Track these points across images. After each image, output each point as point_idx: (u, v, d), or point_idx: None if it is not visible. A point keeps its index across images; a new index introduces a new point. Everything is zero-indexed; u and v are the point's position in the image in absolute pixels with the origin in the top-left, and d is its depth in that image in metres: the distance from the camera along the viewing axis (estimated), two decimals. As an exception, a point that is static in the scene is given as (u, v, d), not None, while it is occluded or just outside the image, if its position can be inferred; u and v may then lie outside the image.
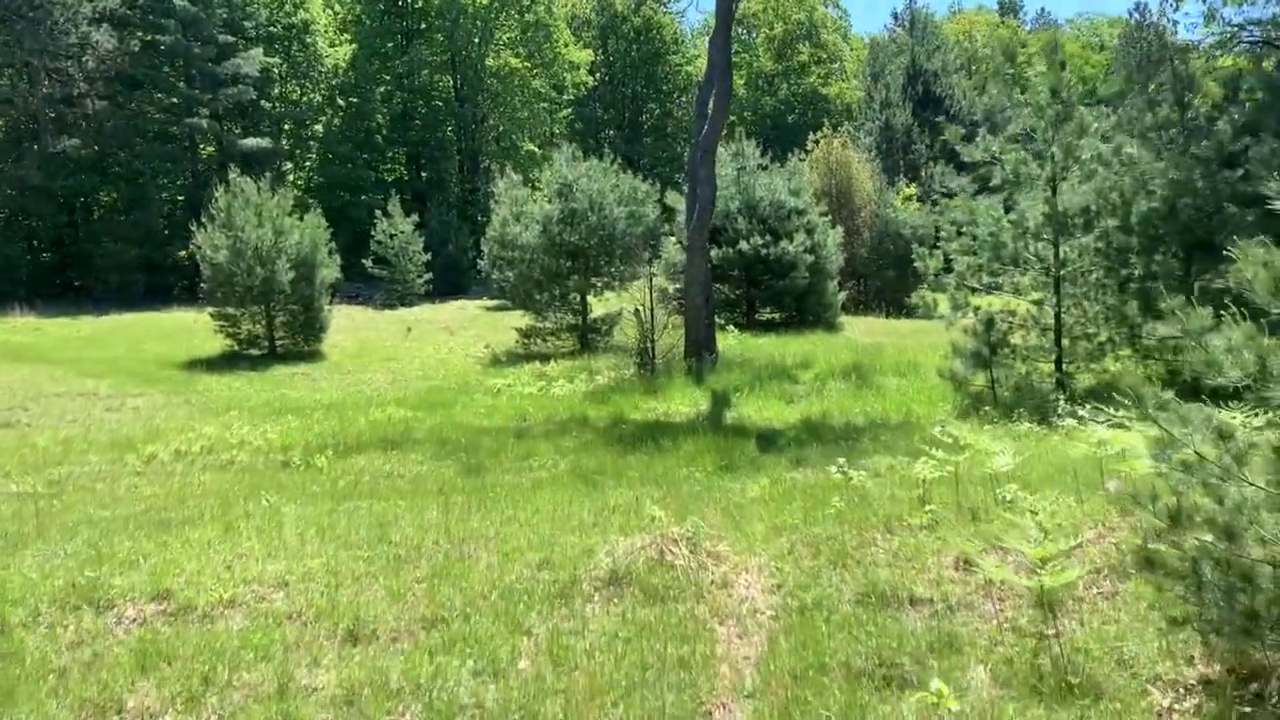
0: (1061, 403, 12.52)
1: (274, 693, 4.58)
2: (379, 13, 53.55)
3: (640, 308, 19.66)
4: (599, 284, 25.19)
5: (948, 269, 15.52)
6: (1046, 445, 10.04)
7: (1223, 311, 4.19)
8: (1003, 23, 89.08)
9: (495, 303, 35.26)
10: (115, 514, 9.27)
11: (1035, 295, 15.06)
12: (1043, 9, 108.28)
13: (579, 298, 25.22)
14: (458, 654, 4.84)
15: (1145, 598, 5.05)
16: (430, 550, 6.55)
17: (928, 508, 6.55)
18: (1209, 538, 4.20)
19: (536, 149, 54.46)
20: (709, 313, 21.00)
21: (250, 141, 45.17)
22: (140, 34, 44.02)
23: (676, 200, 26.87)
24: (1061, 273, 14.62)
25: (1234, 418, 4.84)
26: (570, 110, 61.56)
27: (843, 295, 31.34)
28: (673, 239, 28.02)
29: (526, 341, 25.11)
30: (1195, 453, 4.11)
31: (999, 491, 6.77)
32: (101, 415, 17.42)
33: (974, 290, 15.35)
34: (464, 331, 30.19)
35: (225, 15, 45.41)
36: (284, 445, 13.14)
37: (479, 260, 34.30)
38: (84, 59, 42.59)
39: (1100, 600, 5.15)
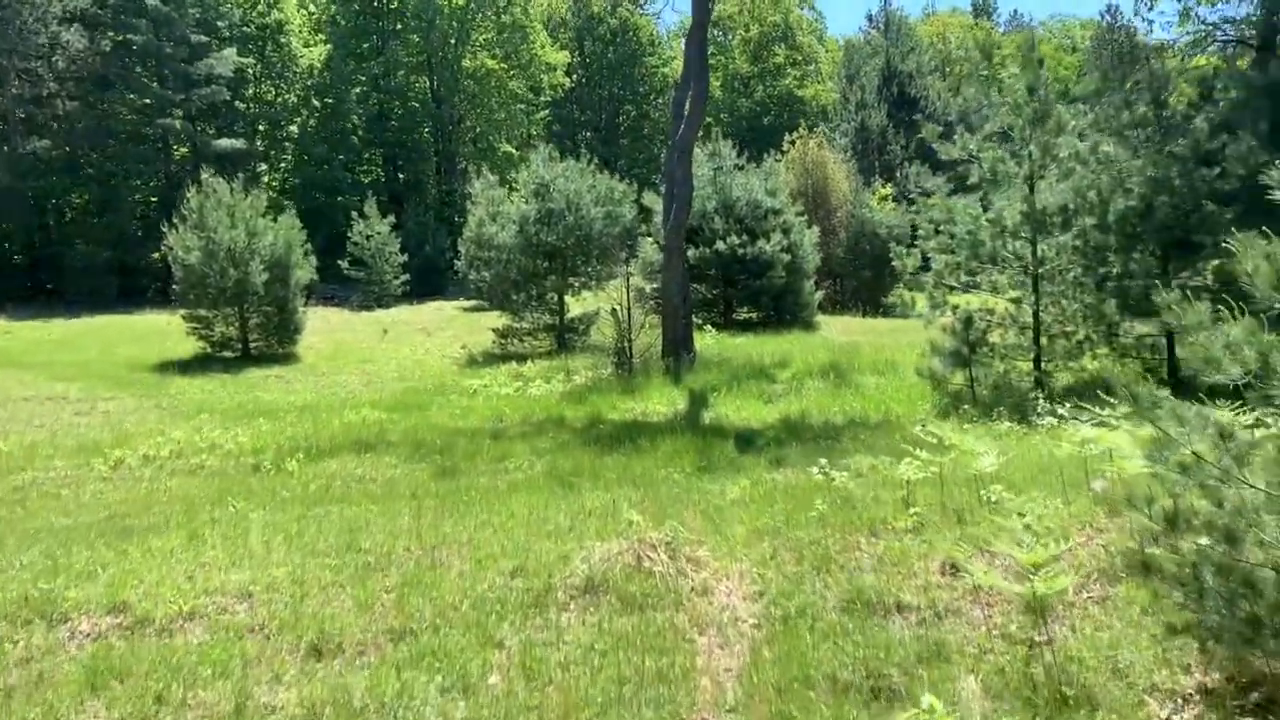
0: (1041, 401, 12.43)
1: (230, 712, 4.35)
2: (354, 13, 53.06)
3: (617, 307, 19.47)
4: (576, 284, 25.00)
5: (925, 268, 15.44)
6: (1028, 444, 9.93)
7: (1219, 307, 4.05)
8: (976, 24, 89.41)
9: (472, 303, 34.96)
10: (78, 521, 8.98)
11: (1013, 294, 15.01)
12: (1015, 11, 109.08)
13: (556, 298, 25.00)
14: (426, 669, 4.63)
15: (1138, 602, 4.91)
16: (401, 557, 6.33)
17: (912, 510, 6.40)
18: (1205, 540, 4.06)
19: (514, 150, 54.11)
20: (686, 312, 20.84)
21: (224, 142, 44.58)
22: (111, 34, 43.31)
23: (654, 201, 26.73)
24: (1039, 271, 14.56)
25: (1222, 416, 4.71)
26: (547, 112, 61.22)
27: (819, 295, 31.28)
28: (650, 239, 27.88)
29: (503, 342, 24.87)
30: (1193, 453, 3.96)
31: (984, 493, 6.62)
32: (70, 419, 17.04)
33: (952, 289, 15.27)
34: (441, 332, 29.88)
35: (198, 15, 44.81)
36: (255, 449, 12.86)
37: (456, 261, 34.01)
38: (54, 59, 41.90)
39: (1091, 605, 5.00)
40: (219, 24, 46.61)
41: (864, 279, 37.04)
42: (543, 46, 58.31)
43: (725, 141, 30.78)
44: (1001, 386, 14.33)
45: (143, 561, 6.44)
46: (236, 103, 47.79)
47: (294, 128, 52.15)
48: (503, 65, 55.03)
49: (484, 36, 55.47)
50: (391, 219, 40.76)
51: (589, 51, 67.45)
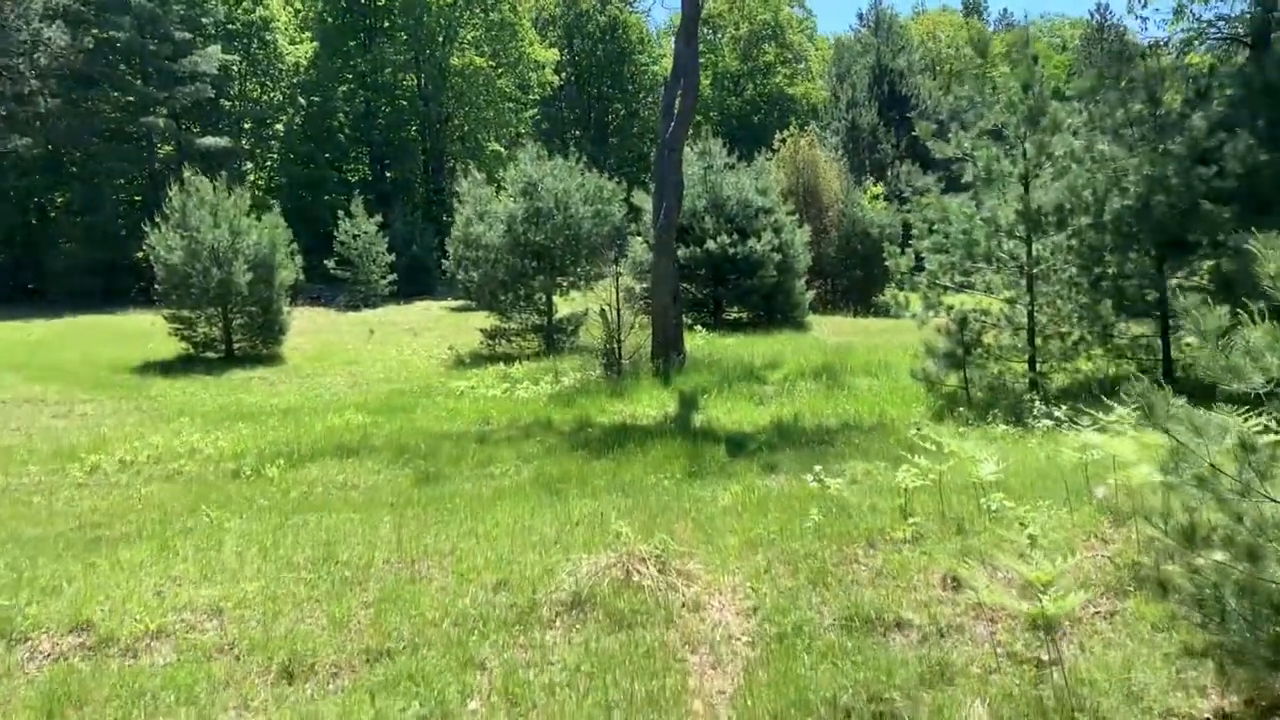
0: (1037, 404, 12.26)
1: (194, 743, 4.11)
2: (340, 10, 52.65)
3: (606, 308, 19.22)
4: (564, 284, 24.75)
5: (918, 267, 15.25)
6: (1024, 448, 9.75)
7: (1238, 310, 3.83)
8: (967, 23, 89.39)
9: (460, 303, 34.67)
10: (47, 531, 8.70)
11: (1008, 294, 14.82)
12: (1005, 9, 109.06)
13: (544, 298, 24.76)
14: (402, 694, 4.38)
15: (1147, 618, 4.70)
16: (380, 570, 6.08)
17: (911, 520, 6.18)
18: (1220, 556, 3.85)
19: (502, 149, 53.76)
20: (676, 312, 20.61)
21: (209, 140, 44.18)
22: (94, 30, 42.80)
23: (643, 200, 26.49)
24: (1034, 271, 14.38)
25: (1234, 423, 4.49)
26: (536, 110, 60.92)
27: (810, 294, 31.09)
28: (639, 238, 27.65)
29: (491, 342, 24.61)
30: (1210, 465, 3.75)
31: (984, 501, 6.41)
32: (48, 422, 16.75)
33: (946, 289, 15.08)
34: (428, 333, 29.60)
35: (182, 11, 44.38)
36: (235, 453, 12.59)
37: (444, 261, 33.73)
38: (36, 56, 41.35)
39: (1099, 621, 4.79)
40: (203, 20, 46.19)
41: (855, 279, 36.89)
42: (531, 44, 58.01)
43: (715, 140, 30.57)
44: (996, 388, 14.15)
45: (111, 575, 6.17)
46: (221, 101, 47.40)
47: (280, 126, 51.75)
48: (491, 63, 54.70)
49: (472, 34, 55.13)
50: (378, 218, 40.41)
51: (578, 49, 67.17)
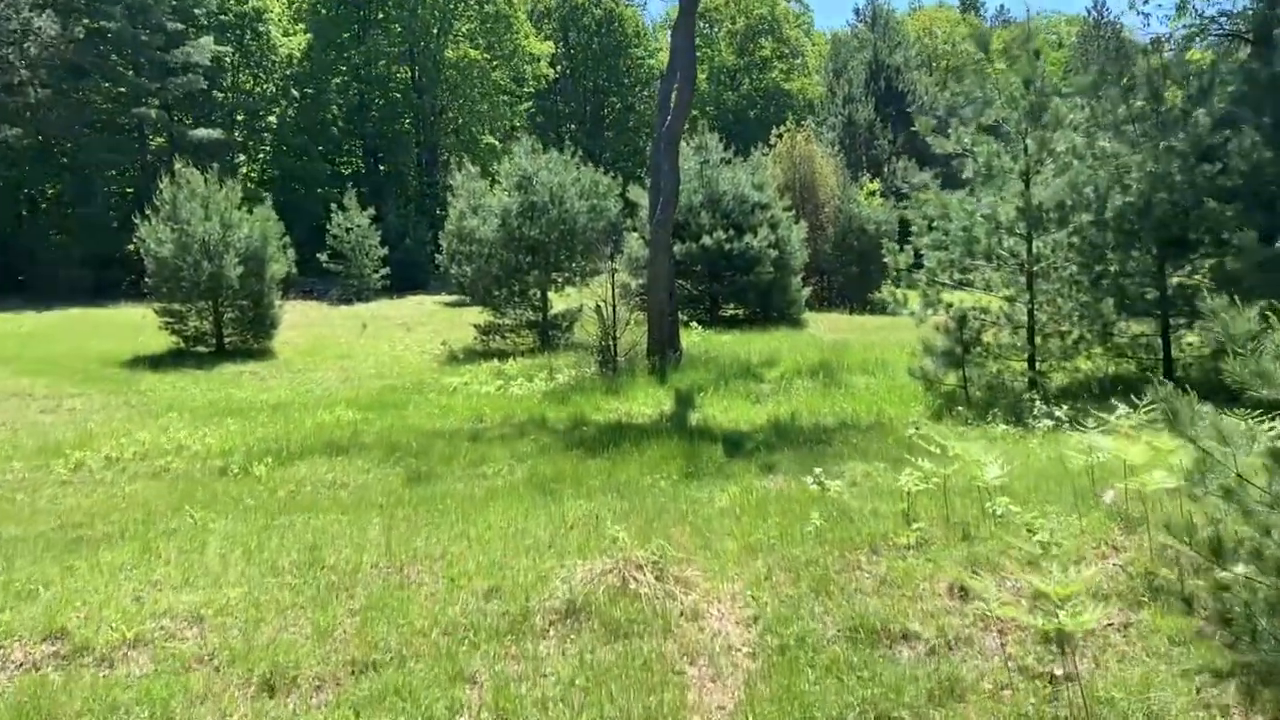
0: (1037, 403, 12.10)
1: (168, 762, 3.91)
2: (334, 1, 52.29)
3: (602, 304, 19.01)
4: (560, 279, 24.52)
5: (917, 264, 15.08)
6: (1026, 449, 9.59)
7: (1269, 314, 3.65)
8: (964, 19, 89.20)
9: (454, 298, 34.41)
10: (27, 531, 8.49)
11: (1007, 291, 14.66)
12: (1002, 6, 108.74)
13: (539, 293, 24.52)
14: (387, 708, 4.19)
15: (1163, 630, 4.52)
16: (368, 575, 5.88)
17: (915, 525, 6.00)
18: (1242, 570, 3.67)
19: (496, 142, 53.46)
20: (672, 309, 20.42)
21: (201, 132, 43.80)
22: (85, 20, 42.42)
23: (639, 195, 26.27)
24: (1035, 268, 14.22)
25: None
26: (531, 103, 60.58)
27: (806, 291, 30.91)
28: (635, 234, 27.43)
29: (485, 338, 24.37)
30: (1238, 475, 3.57)
31: (989, 505, 6.23)
32: (35, 417, 16.49)
33: (945, 286, 14.91)
34: (421, 328, 29.36)
35: (174, 2, 43.95)
36: (223, 450, 12.36)
37: (438, 255, 33.48)
38: (26, 45, 40.96)
39: (1113, 634, 4.60)
40: (196, 11, 45.79)
41: (851, 275, 36.68)
42: (526, 37, 57.68)
43: (712, 134, 30.35)
44: (995, 387, 14.00)
45: (89, 579, 5.97)
46: (214, 92, 46.99)
47: (273, 118, 51.38)
48: (485, 55, 54.39)
49: (466, 26, 54.83)
50: (371, 211, 40.15)
51: (573, 42, 66.83)
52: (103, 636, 5.03)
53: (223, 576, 5.90)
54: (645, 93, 64.87)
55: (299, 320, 28.95)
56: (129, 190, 44.06)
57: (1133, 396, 6.69)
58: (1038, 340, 14.26)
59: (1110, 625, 4.72)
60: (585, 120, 66.58)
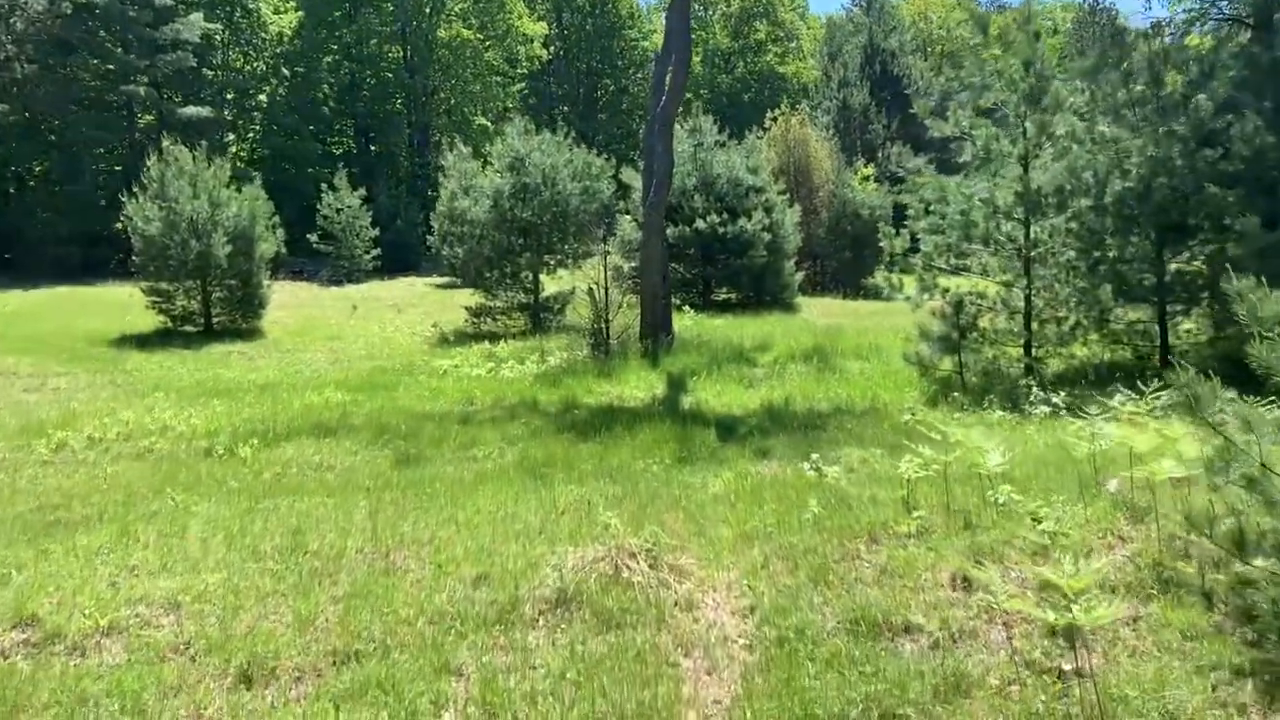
0: (1034, 389, 11.97)
1: (138, 758, 3.73)
2: (325, -21, 51.70)
3: (594, 286, 18.80)
4: (552, 261, 24.28)
5: (913, 249, 14.92)
6: (1024, 435, 9.43)
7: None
8: (959, 3, 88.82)
9: (445, 280, 34.15)
10: (5, 513, 8.28)
11: (1004, 277, 14.52)
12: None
13: (531, 275, 24.29)
14: (369, 703, 4.01)
15: (1174, 624, 4.36)
16: (352, 561, 5.71)
17: (915, 513, 5.84)
18: (1263, 563, 3.52)
19: (489, 123, 53.01)
20: (665, 292, 20.22)
21: (190, 110, 43.21)
22: (73, -5, 41.85)
23: (632, 177, 26.03)
24: (1032, 254, 14.06)
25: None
26: (523, 84, 60.10)
27: (800, 276, 30.74)
28: (628, 216, 27.21)
29: (476, 320, 24.14)
30: (1262, 465, 3.41)
31: (990, 493, 6.07)
32: (18, 396, 16.24)
33: (941, 271, 14.76)
34: (412, 309, 29.10)
35: (163, -22, 43.40)
36: (209, 431, 12.13)
37: (429, 236, 33.18)
38: (12, 21, 40.37)
39: (1123, 628, 4.44)
40: (185, -13, 45.20)
41: (845, 260, 36.54)
42: (519, 17, 57.17)
43: (706, 117, 30.11)
44: (991, 373, 13.86)
45: (64, 563, 5.79)
46: (203, 70, 46.40)
47: (263, 97, 50.79)
48: (478, 35, 53.87)
49: (459, 5, 54.27)
50: (362, 192, 39.78)
51: (567, 23, 66.28)
52: (75, 624, 4.85)
53: (202, 561, 5.72)
54: (639, 75, 64.38)
55: (289, 301, 28.68)
56: (117, 168, 43.49)
57: (1137, 383, 6.55)
58: (1034, 326, 14.12)
59: (1119, 619, 4.57)
60: (578, 102, 66.07)
